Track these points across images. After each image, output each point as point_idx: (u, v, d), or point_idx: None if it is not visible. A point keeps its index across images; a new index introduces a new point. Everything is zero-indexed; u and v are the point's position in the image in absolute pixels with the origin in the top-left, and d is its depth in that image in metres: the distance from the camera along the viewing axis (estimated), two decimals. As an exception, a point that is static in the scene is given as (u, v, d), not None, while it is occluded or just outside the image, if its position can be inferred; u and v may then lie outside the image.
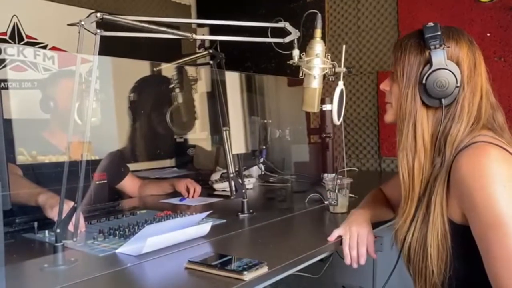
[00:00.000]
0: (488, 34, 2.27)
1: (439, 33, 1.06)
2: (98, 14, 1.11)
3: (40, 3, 2.66)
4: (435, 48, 1.05)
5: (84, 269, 1.08)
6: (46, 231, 1.37)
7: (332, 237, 1.24)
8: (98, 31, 1.10)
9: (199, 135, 2.97)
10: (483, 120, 1.06)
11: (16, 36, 2.58)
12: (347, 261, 1.23)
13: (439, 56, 1.05)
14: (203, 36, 1.26)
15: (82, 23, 1.10)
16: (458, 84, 1.05)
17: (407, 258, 1.13)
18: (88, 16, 1.13)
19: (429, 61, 1.06)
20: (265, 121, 2.58)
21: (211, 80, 2.79)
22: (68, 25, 1.12)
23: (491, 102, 1.10)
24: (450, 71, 1.05)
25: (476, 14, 2.30)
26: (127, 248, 1.16)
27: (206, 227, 1.30)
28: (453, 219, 1.03)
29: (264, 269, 0.99)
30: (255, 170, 2.50)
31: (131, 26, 1.23)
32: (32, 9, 2.63)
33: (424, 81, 1.06)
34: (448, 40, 1.07)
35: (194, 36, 1.23)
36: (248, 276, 0.95)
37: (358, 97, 2.79)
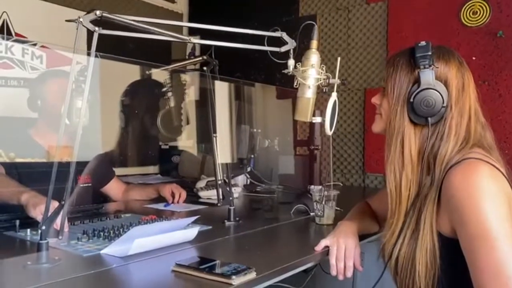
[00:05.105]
0: (474, 58, 2.33)
1: (429, 53, 1.08)
2: (98, 12, 1.11)
3: (31, 1, 2.64)
4: (424, 68, 1.08)
5: (68, 268, 1.05)
6: (28, 230, 1.34)
7: (319, 247, 1.24)
8: (97, 28, 1.09)
9: (185, 143, 2.95)
10: (473, 140, 1.08)
11: (5, 33, 2.54)
12: (333, 272, 1.23)
13: (427, 76, 1.08)
14: (200, 40, 1.26)
15: (81, 20, 1.10)
16: (445, 104, 1.08)
17: (394, 271, 1.14)
18: (86, 14, 1.13)
19: (418, 80, 1.09)
20: (254, 130, 2.58)
21: (200, 88, 2.79)
22: (66, 21, 1.11)
23: (481, 122, 1.13)
24: (437, 91, 1.08)
25: (463, 38, 2.37)
26: (113, 249, 1.14)
27: (193, 232, 1.29)
28: (442, 232, 1.05)
29: (252, 275, 0.99)
30: (240, 180, 2.49)
31: (128, 26, 1.23)
32: (23, 7, 2.60)
33: (412, 100, 1.09)
34: (437, 60, 1.10)
35: (192, 39, 1.24)
36: (236, 280, 0.94)
37: (345, 113, 2.82)
